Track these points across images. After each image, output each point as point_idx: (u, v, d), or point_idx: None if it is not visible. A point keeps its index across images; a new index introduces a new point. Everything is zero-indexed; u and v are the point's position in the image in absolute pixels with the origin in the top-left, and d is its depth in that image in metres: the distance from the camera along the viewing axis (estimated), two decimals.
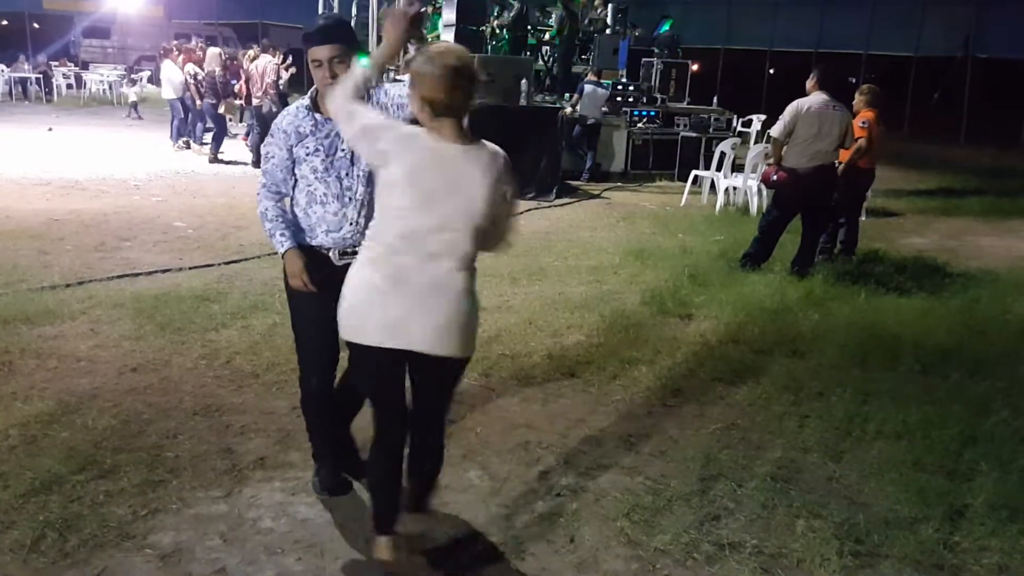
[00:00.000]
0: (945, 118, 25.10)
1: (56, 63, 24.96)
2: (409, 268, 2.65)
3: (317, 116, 3.16)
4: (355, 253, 2.96)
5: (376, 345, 2.70)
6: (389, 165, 2.64)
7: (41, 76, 23.14)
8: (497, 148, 2.75)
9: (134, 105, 19.29)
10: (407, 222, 2.65)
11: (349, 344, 2.81)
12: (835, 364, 5.26)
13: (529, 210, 10.24)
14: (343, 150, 3.15)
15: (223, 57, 13.90)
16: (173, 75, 13.98)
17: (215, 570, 2.98)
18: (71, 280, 6.25)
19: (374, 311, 2.68)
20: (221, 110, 13.24)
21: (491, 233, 2.79)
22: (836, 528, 3.41)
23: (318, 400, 3.42)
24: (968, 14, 23.16)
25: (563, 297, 6.45)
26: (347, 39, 3.11)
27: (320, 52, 3.04)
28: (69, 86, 24.14)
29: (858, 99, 7.99)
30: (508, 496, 3.57)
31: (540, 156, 11.22)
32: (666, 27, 18.08)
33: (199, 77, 13.57)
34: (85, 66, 27.04)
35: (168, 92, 14.20)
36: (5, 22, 34.17)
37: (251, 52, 13.96)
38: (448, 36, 12.76)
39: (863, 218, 8.98)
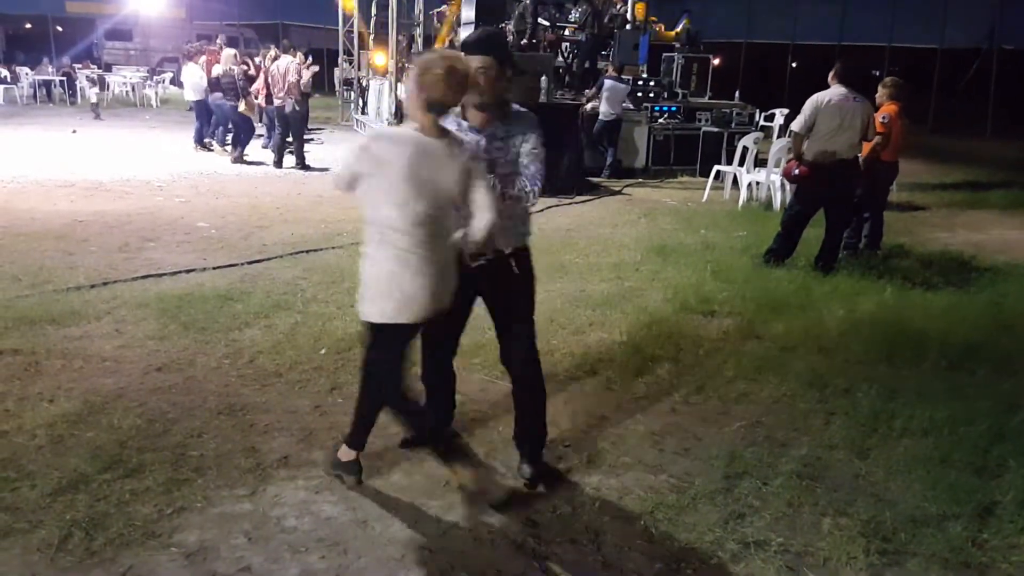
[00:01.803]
0: (970, 110, 24.80)
1: (79, 65, 25.21)
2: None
3: (464, 123, 3.37)
4: (483, 255, 3.36)
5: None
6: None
7: (64, 78, 23.37)
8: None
9: (94, 105, 19.16)
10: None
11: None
12: (861, 360, 5.21)
13: (550, 207, 10.22)
14: (482, 158, 3.32)
15: (238, 57, 13.90)
16: (196, 77, 14.07)
17: (240, 568, 2.99)
18: (96, 281, 6.31)
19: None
20: (241, 108, 13.28)
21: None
22: (863, 526, 3.38)
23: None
24: (993, 4, 22.87)
25: (585, 294, 6.44)
26: (498, 52, 3.33)
27: (473, 62, 3.24)
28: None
29: (881, 92, 7.92)
30: (531, 494, 3.56)
31: (560, 153, 11.19)
32: (682, 23, 17.97)
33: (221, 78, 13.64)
34: (108, 68, 27.32)
35: (191, 94, 14.30)
36: (29, 25, 34.60)
37: (271, 53, 14.01)
38: (466, 34, 12.75)
39: (886, 212, 8.86)
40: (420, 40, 16.20)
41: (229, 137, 14.09)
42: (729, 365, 5.09)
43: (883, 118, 7.54)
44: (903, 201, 11.13)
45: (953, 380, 4.94)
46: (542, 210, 9.93)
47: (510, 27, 14.15)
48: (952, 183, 13.52)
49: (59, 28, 31.63)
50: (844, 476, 3.82)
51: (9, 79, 23.15)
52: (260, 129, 15.91)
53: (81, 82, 23.81)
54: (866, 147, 7.35)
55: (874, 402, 4.54)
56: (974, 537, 3.33)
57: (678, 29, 17.58)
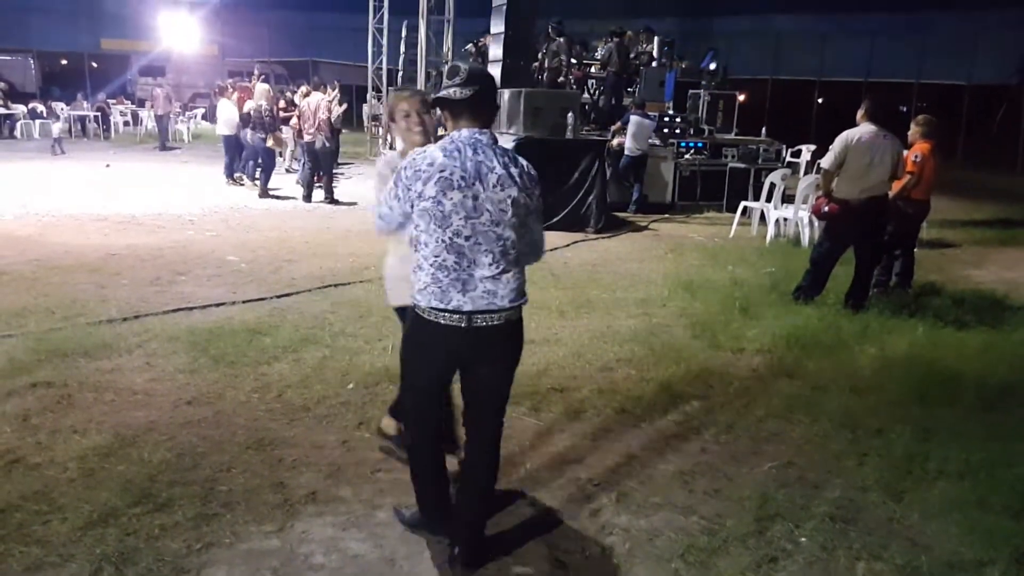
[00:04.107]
0: (1000, 147, 24.62)
1: (113, 101, 25.73)
2: None
3: None
4: None
5: None
6: None
7: (99, 114, 23.83)
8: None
9: (57, 140, 18.91)
10: None
11: None
12: (894, 400, 5.14)
13: (576, 242, 10.24)
14: None
15: (271, 93, 14.11)
16: (229, 113, 14.31)
17: None
18: (128, 314, 6.37)
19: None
20: (269, 143, 13.42)
21: None
22: (898, 571, 3.31)
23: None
24: (1021, 40, 22.79)
25: (612, 330, 6.41)
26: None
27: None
28: (126, 123, 24.85)
29: (914, 130, 7.87)
30: (559, 534, 3.53)
31: (587, 188, 11.22)
32: (710, 62, 18.07)
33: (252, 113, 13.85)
34: (141, 104, 27.83)
35: (223, 129, 14.54)
36: (65, 62, 35.39)
37: (303, 89, 14.22)
38: (495, 71, 12.90)
39: (917, 249, 8.78)
40: None
41: (259, 172, 14.26)
42: (759, 404, 5.03)
43: (915, 157, 7.50)
44: (934, 238, 11.03)
45: (989, 421, 4.85)
46: (567, 245, 9.95)
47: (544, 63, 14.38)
48: (983, 220, 13.39)
49: (94, 64, 32.34)
50: (878, 519, 3.75)
51: (45, 114, 23.63)
52: (285, 164, 16.15)
53: (115, 117, 24.27)
54: (896, 185, 7.31)
55: (908, 443, 4.47)
56: None
57: (711, 68, 17.68)
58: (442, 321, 2.97)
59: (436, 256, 2.94)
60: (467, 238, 2.93)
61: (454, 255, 2.93)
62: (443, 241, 2.92)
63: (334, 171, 13.58)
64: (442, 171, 2.89)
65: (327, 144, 12.89)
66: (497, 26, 13.08)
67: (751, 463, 4.27)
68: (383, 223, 3.11)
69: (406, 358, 3.24)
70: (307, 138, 13.06)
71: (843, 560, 3.39)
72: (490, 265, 2.97)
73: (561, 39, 14.90)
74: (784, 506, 3.79)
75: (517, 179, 2.99)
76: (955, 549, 3.49)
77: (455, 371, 3.20)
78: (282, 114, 15.00)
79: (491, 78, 3.12)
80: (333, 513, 3.63)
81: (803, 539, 3.52)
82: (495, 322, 3.01)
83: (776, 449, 4.44)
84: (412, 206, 2.94)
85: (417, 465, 3.40)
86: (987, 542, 3.51)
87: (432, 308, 2.97)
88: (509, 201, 2.96)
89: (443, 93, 2.99)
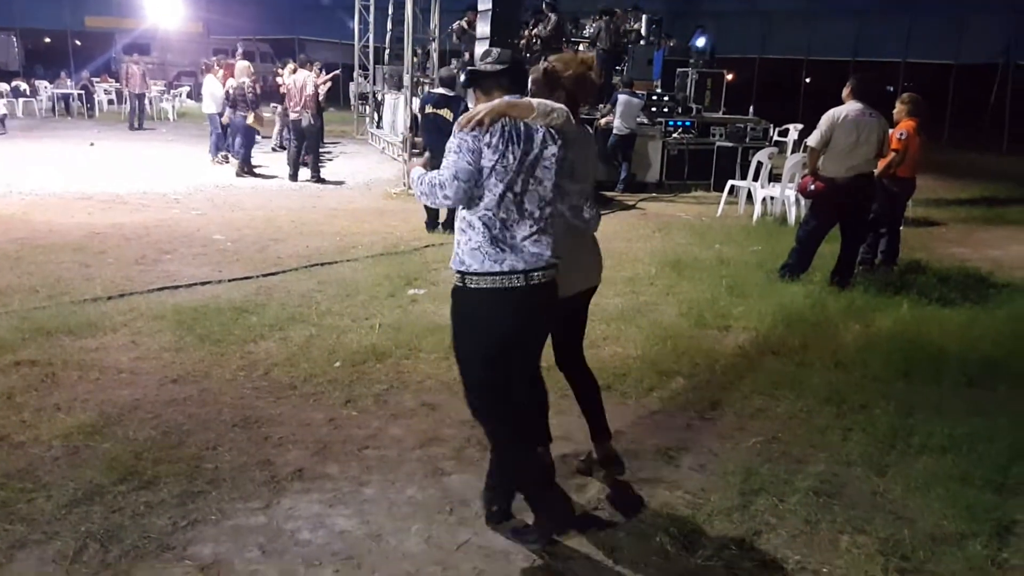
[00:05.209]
0: (986, 126, 24.69)
1: (97, 79, 25.47)
2: None
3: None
4: None
5: None
6: None
7: (83, 92, 23.60)
8: None
9: (1, 119, 18.33)
10: None
11: None
12: (878, 376, 5.17)
13: None
14: None
15: (251, 71, 13.91)
16: (215, 90, 14.17)
17: None
18: (113, 292, 6.34)
19: None
20: (249, 121, 13.25)
21: None
22: (881, 544, 3.34)
23: None
24: (1008, 21, 22.81)
25: (599, 308, 6.40)
26: None
27: None
28: (110, 102, 24.63)
29: (899, 108, 7.87)
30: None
31: None
32: (700, 40, 18.03)
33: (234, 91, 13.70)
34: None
35: (209, 107, 14.40)
36: (48, 39, 34.99)
37: (289, 67, 14.10)
38: (482, 48, 12.84)
39: (903, 228, 8.81)
40: (435, 55, 16.24)
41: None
42: (745, 380, 5.06)
43: (900, 134, 7.50)
44: (919, 217, 11.06)
45: (972, 397, 4.90)
46: None
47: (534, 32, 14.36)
48: (969, 199, 13.43)
49: (78, 42, 31.96)
50: (862, 493, 3.78)
51: (28, 92, 23.38)
52: (272, 142, 16.05)
53: (99, 96, 24.03)
54: (881, 163, 7.32)
55: (892, 418, 4.50)
56: (994, 556, 3.29)
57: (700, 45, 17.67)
58: (499, 285, 3.01)
59: (488, 210, 3.00)
60: (516, 194, 3.02)
61: (504, 211, 3.01)
62: (499, 196, 2.98)
63: (320, 149, 13.47)
64: (504, 126, 2.98)
65: (313, 122, 12.80)
66: (484, 3, 12.97)
67: (736, 439, 4.30)
68: (458, 195, 3.01)
69: (463, 332, 3.17)
70: (293, 116, 12.96)
71: (826, 533, 3.42)
72: (531, 226, 3.06)
73: (553, 16, 14.81)
74: (768, 481, 3.82)
75: (555, 135, 3.08)
76: (938, 522, 3.53)
77: (520, 334, 3.18)
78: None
79: (520, 61, 3.26)
80: (320, 490, 3.63)
81: (787, 513, 3.55)
82: (548, 279, 3.10)
83: (761, 425, 4.47)
84: (480, 165, 2.98)
85: (516, 456, 3.27)
86: (969, 515, 3.54)
87: (486, 273, 3.00)
88: (554, 158, 3.07)
89: (478, 67, 3.17)
